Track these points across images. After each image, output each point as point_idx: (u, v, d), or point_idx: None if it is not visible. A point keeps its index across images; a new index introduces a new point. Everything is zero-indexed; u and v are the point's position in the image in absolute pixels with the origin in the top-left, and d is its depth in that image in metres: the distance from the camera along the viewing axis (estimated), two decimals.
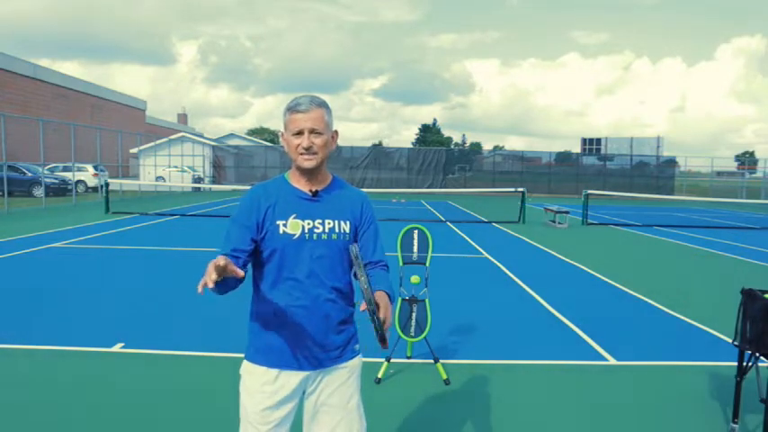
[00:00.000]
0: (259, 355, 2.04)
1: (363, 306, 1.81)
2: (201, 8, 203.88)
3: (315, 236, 2.01)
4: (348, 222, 2.08)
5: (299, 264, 1.99)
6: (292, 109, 1.99)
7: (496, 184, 33.48)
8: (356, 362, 2.27)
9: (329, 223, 2.04)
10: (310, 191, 2.06)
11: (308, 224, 2.01)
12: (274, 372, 2.02)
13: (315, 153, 2.00)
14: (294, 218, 2.00)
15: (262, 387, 2.02)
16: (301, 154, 2.00)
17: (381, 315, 1.88)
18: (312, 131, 1.98)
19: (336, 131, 2.13)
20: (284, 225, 2.00)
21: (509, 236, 13.94)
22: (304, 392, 2.11)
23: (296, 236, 1.99)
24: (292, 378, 2.04)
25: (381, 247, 2.20)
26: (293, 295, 2.00)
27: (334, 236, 2.03)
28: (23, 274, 7.96)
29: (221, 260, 1.70)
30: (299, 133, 1.98)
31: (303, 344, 2.02)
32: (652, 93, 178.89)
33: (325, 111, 2.02)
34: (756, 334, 3.26)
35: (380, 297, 1.96)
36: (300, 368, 2.04)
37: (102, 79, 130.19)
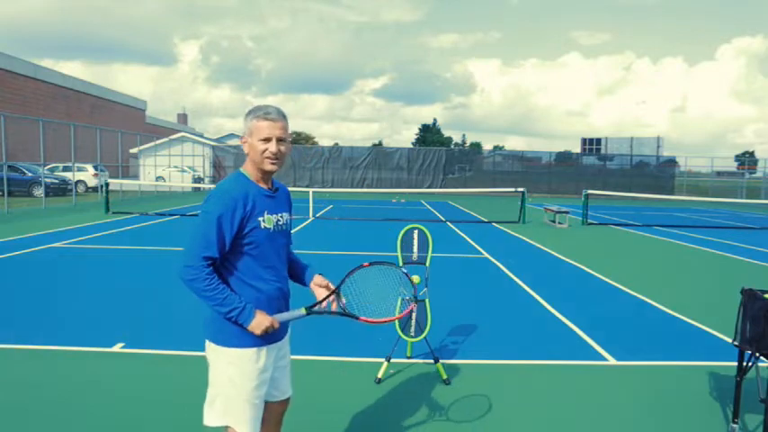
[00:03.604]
0: (246, 337, 2.25)
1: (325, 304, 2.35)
2: (203, 8, 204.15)
3: (279, 227, 2.34)
4: (287, 213, 2.43)
5: (274, 252, 2.32)
6: (261, 116, 2.22)
7: (496, 184, 33.47)
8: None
9: (285, 215, 2.39)
10: (269, 188, 2.34)
11: (275, 217, 2.32)
12: (263, 349, 2.30)
13: (278, 159, 2.26)
14: (267, 213, 2.28)
15: (255, 366, 2.28)
16: (268, 158, 2.24)
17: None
18: (279, 140, 2.24)
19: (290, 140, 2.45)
20: (263, 221, 2.26)
21: (509, 236, 13.94)
22: None
23: (271, 229, 2.29)
24: (272, 351, 2.36)
25: None
26: (272, 279, 2.32)
27: (286, 226, 2.41)
28: (23, 274, 7.96)
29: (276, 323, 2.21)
30: (267, 139, 2.22)
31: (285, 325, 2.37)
32: (653, 93, 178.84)
33: (287, 122, 2.31)
34: (756, 334, 3.26)
35: (322, 281, 2.45)
36: (276, 340, 2.37)
37: (105, 79, 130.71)
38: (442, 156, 36.38)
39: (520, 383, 4.41)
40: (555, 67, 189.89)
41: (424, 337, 4.37)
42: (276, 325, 2.19)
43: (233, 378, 2.26)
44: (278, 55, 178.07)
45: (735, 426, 3.49)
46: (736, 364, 3.46)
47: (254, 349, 2.26)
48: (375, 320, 2.38)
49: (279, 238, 2.34)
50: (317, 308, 2.34)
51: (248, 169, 2.31)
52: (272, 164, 2.25)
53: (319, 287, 2.43)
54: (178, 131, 39.95)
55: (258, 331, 2.18)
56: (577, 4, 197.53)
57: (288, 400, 2.60)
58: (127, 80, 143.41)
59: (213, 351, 2.31)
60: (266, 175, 2.31)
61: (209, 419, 2.35)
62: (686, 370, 4.77)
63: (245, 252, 2.24)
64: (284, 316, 2.29)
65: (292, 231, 2.58)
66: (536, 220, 17.52)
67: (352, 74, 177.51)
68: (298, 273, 2.54)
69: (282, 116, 2.26)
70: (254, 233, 2.22)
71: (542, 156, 38.95)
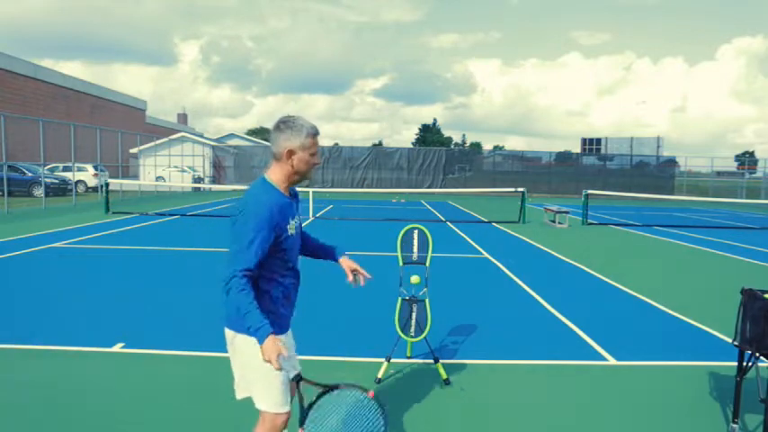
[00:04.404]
0: (274, 327, 2.40)
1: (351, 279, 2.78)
2: (203, 8, 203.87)
3: (297, 230, 2.57)
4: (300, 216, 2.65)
5: (295, 254, 2.58)
6: (314, 134, 2.46)
7: (496, 184, 33.45)
8: None
9: (299, 217, 2.61)
10: (288, 195, 2.51)
11: (295, 222, 2.53)
12: (282, 337, 2.51)
13: None
14: (291, 220, 2.48)
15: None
16: (312, 169, 2.52)
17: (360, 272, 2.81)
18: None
19: None
20: (290, 228, 2.47)
21: (509, 236, 13.94)
22: None
23: (294, 234, 2.52)
24: (288, 339, 2.63)
25: None
26: (294, 278, 2.58)
27: (300, 227, 2.64)
28: (24, 274, 7.96)
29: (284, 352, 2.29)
30: (316, 153, 2.49)
31: (292, 312, 2.63)
32: (653, 93, 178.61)
33: None
34: (756, 334, 3.26)
35: (350, 261, 2.82)
36: (288, 329, 2.63)
37: (105, 79, 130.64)
38: (441, 156, 36.39)
39: (520, 383, 4.41)
40: (555, 67, 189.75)
41: (424, 337, 4.37)
42: (284, 352, 2.29)
43: (266, 365, 2.35)
44: (278, 55, 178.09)
45: (735, 426, 3.49)
46: (736, 364, 3.46)
47: (280, 337, 2.45)
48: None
49: (298, 240, 2.60)
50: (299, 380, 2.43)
51: (277, 177, 2.47)
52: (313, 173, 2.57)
53: (348, 267, 2.78)
54: (178, 131, 39.95)
55: (266, 355, 2.25)
56: (577, 4, 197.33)
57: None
58: (127, 80, 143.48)
59: (246, 340, 2.39)
60: (294, 184, 2.53)
61: (259, 403, 2.52)
62: (686, 370, 4.77)
63: (276, 256, 2.43)
64: (285, 355, 2.34)
65: None
66: (536, 220, 17.53)
67: (353, 74, 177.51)
68: (327, 253, 2.85)
69: None
70: (285, 240, 2.43)
71: (542, 156, 38.97)
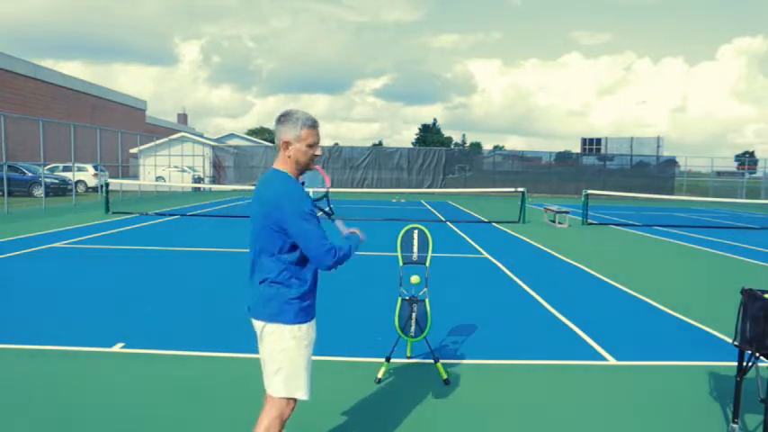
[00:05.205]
0: (303, 314, 2.58)
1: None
2: (204, 8, 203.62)
3: None
4: None
5: None
6: (312, 126, 2.56)
7: (496, 184, 33.46)
8: None
9: None
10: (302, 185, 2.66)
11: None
12: (313, 322, 2.66)
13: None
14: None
15: (311, 337, 2.65)
16: (313, 160, 2.61)
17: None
18: (318, 143, 2.62)
19: None
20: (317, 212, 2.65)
21: (509, 236, 13.94)
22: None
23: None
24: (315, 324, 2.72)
25: None
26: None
27: None
28: (24, 274, 7.96)
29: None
30: (314, 145, 2.58)
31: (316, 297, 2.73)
32: (653, 93, 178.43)
33: None
34: (756, 334, 3.26)
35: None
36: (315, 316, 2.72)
37: (105, 79, 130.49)
38: (441, 156, 36.39)
39: (520, 383, 4.41)
40: (555, 67, 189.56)
41: (424, 337, 4.37)
42: (360, 234, 2.84)
43: (294, 349, 2.56)
44: (278, 55, 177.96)
45: (735, 426, 3.50)
46: (736, 364, 3.46)
47: (311, 322, 2.62)
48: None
49: None
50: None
51: (285, 167, 2.59)
52: (315, 164, 2.66)
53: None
54: (178, 131, 39.94)
55: (362, 236, 2.82)
56: (578, 5, 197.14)
57: None
58: (127, 80, 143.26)
59: (275, 330, 2.56)
60: (299, 175, 2.63)
61: (277, 391, 2.61)
62: (686, 370, 4.77)
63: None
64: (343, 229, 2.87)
65: None
66: (536, 220, 17.52)
67: (353, 74, 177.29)
68: None
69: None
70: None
71: (542, 156, 38.97)
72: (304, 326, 2.59)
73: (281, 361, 2.57)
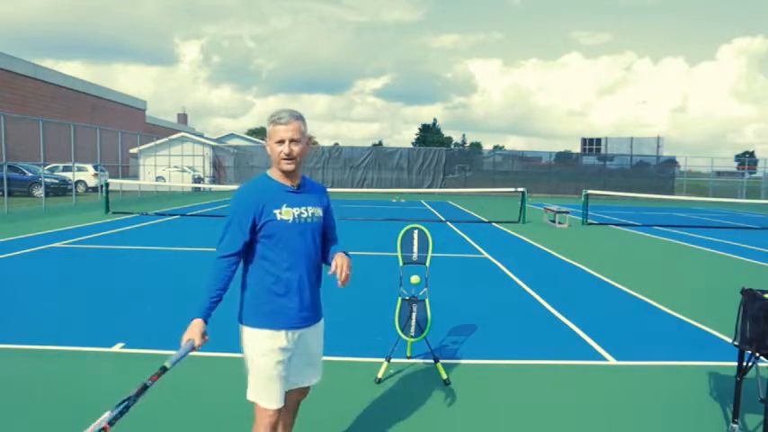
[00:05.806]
0: (260, 320, 2.50)
1: (332, 270, 2.50)
2: (204, 8, 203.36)
3: (301, 219, 2.51)
4: (320, 208, 2.61)
5: (292, 242, 2.49)
6: (275, 121, 2.44)
7: (496, 184, 33.44)
8: (322, 322, 2.83)
9: (311, 209, 2.56)
10: (293, 185, 2.52)
11: (296, 211, 2.50)
12: (281, 333, 2.51)
13: (293, 158, 2.46)
14: (285, 206, 2.47)
15: (267, 345, 2.49)
16: (283, 159, 2.45)
17: (339, 262, 2.51)
18: (291, 141, 2.43)
19: (310, 138, 2.62)
20: (279, 213, 2.46)
21: (509, 236, 13.94)
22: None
23: (289, 221, 2.47)
24: (292, 335, 2.55)
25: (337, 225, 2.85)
26: (292, 268, 2.50)
27: (315, 219, 2.57)
28: (23, 274, 7.96)
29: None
30: (281, 142, 2.43)
31: (309, 308, 2.59)
32: (653, 93, 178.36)
33: (302, 122, 2.48)
34: (756, 334, 3.26)
35: (339, 255, 2.58)
36: (292, 327, 2.55)
37: (105, 79, 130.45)
38: (441, 156, 36.37)
39: (520, 383, 4.41)
40: (555, 67, 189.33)
41: (424, 337, 4.37)
42: (197, 340, 2.56)
43: (251, 355, 2.54)
44: (279, 55, 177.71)
45: (735, 426, 3.50)
46: (736, 364, 3.46)
47: (269, 331, 2.49)
48: None
49: (302, 230, 2.51)
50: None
51: (273, 169, 2.54)
52: (288, 164, 2.46)
53: (335, 261, 2.55)
54: (178, 131, 39.94)
55: (186, 336, 2.54)
56: (578, 4, 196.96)
57: (306, 390, 2.84)
58: (127, 80, 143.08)
59: (241, 330, 2.58)
60: (288, 174, 2.50)
61: (248, 395, 2.60)
62: (686, 370, 4.77)
63: (262, 242, 2.47)
64: (197, 344, 2.58)
65: None
66: (536, 220, 17.52)
67: (353, 74, 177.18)
68: (330, 254, 2.69)
69: (295, 117, 2.45)
70: (270, 225, 2.44)
71: (542, 156, 38.95)
72: (257, 330, 2.51)
73: (246, 364, 2.60)
